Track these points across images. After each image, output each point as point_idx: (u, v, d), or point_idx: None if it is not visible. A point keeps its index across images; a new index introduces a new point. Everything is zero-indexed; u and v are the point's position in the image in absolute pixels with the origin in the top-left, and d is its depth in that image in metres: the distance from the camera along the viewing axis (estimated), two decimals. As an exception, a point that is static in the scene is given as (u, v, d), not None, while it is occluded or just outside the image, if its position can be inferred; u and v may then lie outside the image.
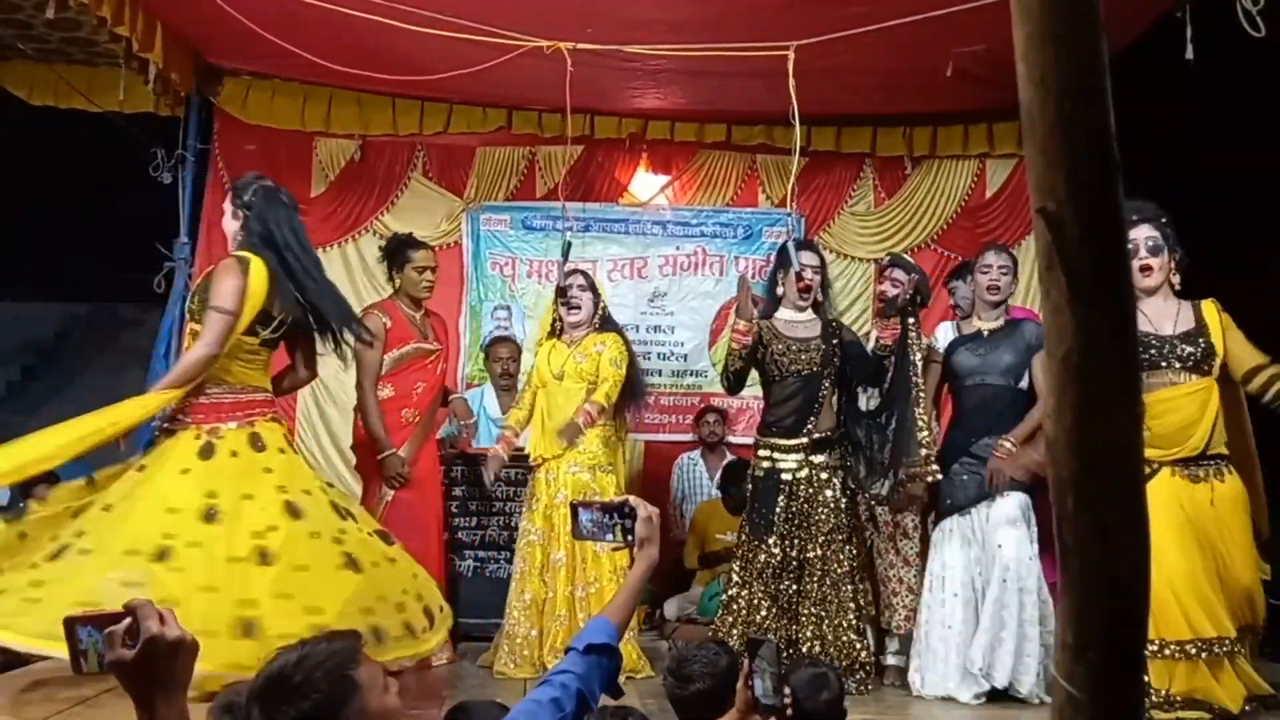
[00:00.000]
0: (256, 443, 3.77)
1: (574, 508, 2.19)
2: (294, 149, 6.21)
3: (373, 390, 4.70)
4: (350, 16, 4.55)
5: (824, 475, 4.41)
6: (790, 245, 4.63)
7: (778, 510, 4.40)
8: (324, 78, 5.77)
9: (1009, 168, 6.33)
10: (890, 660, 4.61)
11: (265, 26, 4.88)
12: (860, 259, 6.36)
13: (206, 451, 3.71)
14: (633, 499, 2.11)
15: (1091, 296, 0.95)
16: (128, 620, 1.34)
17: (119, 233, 7.60)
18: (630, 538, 2.09)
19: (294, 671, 1.51)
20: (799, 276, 4.48)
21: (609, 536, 2.13)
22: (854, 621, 4.36)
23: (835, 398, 4.54)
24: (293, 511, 3.63)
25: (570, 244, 5.38)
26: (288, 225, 3.86)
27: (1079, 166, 0.95)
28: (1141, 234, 3.82)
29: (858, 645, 4.34)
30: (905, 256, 5.29)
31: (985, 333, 4.39)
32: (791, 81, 4.62)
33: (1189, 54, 4.19)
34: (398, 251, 4.86)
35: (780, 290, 4.59)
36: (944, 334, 4.57)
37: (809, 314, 4.56)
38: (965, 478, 4.27)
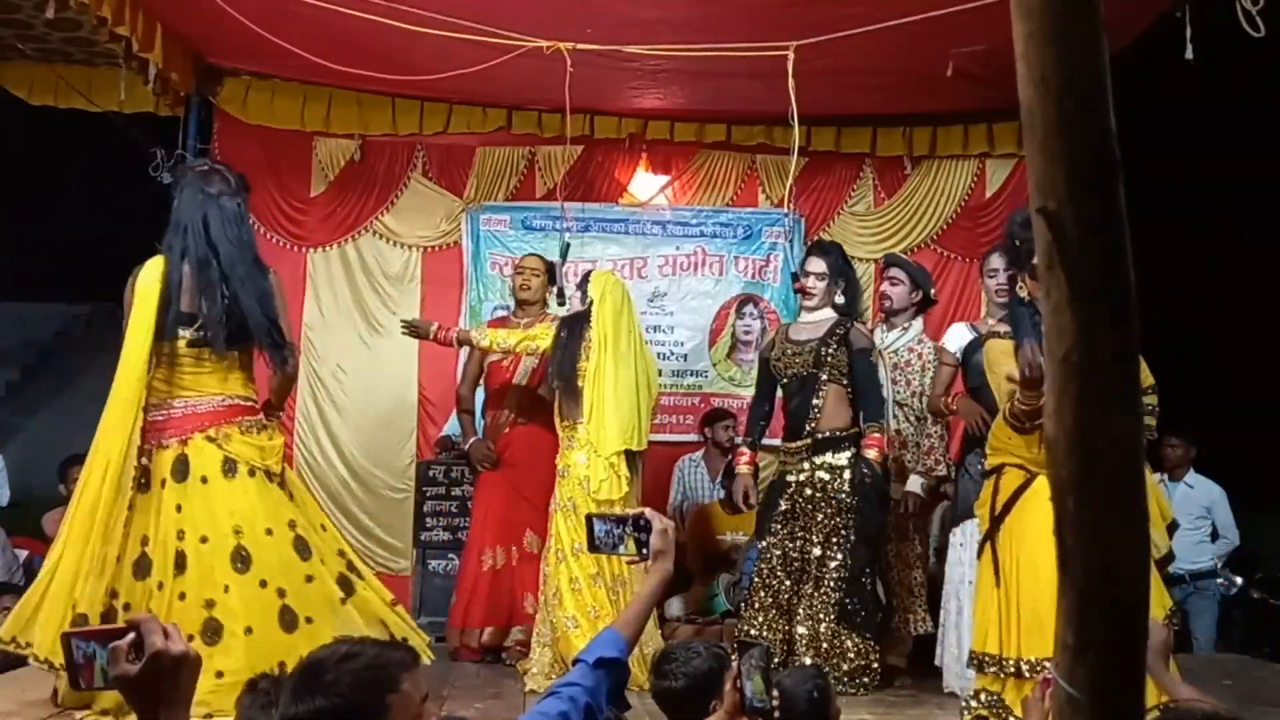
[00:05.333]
0: (179, 469, 3.54)
1: (589, 519, 2.20)
2: (294, 149, 6.20)
3: (469, 391, 5.23)
4: (350, 16, 4.54)
5: (826, 476, 4.39)
6: (790, 249, 4.71)
7: (778, 511, 4.41)
8: (324, 78, 5.77)
9: (1009, 168, 6.33)
10: (892, 661, 4.61)
11: (265, 26, 4.88)
12: (860, 259, 6.34)
13: (143, 485, 3.53)
14: (648, 511, 2.11)
15: (1091, 296, 0.95)
16: (132, 635, 1.34)
17: (119, 233, 7.60)
18: (645, 550, 2.09)
19: (333, 667, 1.54)
20: (795, 278, 4.56)
21: (623, 549, 2.13)
22: (856, 623, 4.35)
23: (842, 397, 4.47)
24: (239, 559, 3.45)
25: (569, 244, 5.39)
26: (199, 216, 3.65)
27: (1079, 166, 0.94)
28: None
29: (859, 647, 4.33)
30: (903, 256, 5.31)
31: (1002, 332, 4.34)
32: (791, 81, 4.62)
33: (1189, 54, 4.19)
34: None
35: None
36: (957, 336, 4.51)
37: (821, 315, 4.54)
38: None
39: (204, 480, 3.54)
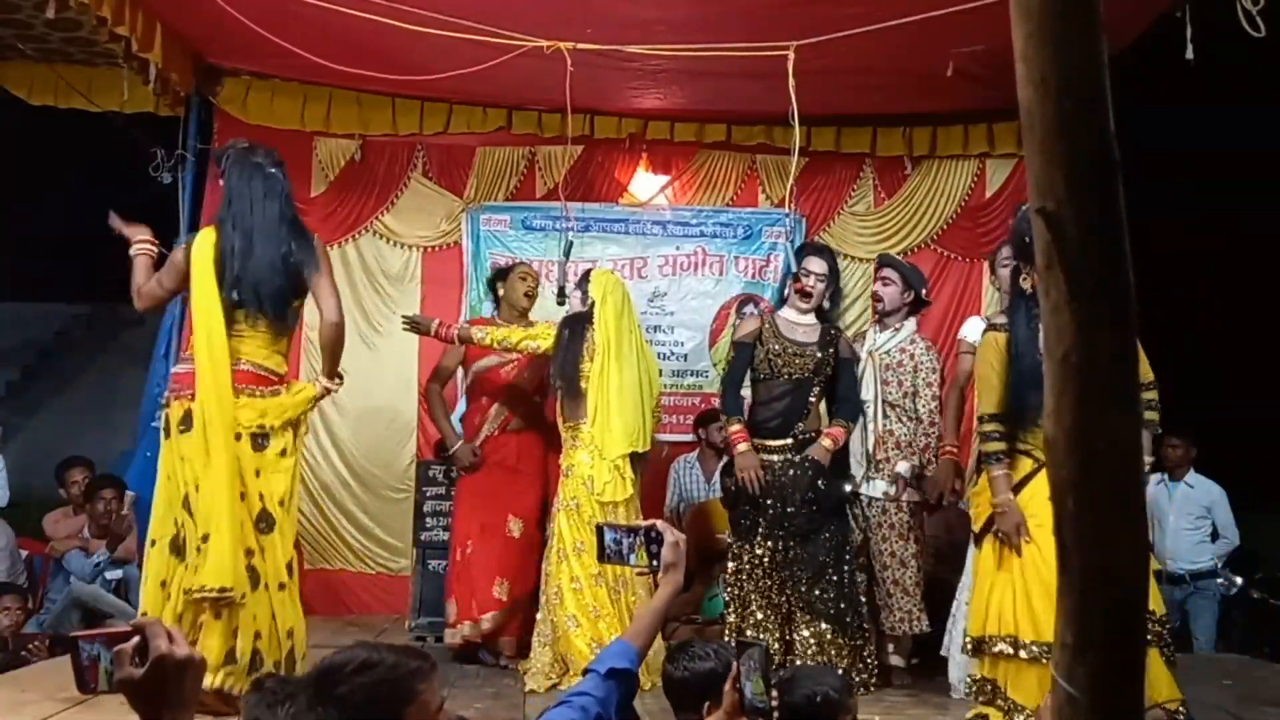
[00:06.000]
0: (184, 421, 3.70)
1: (599, 529, 2.20)
2: (294, 149, 6.16)
3: (438, 392, 5.05)
4: (350, 16, 4.54)
5: (809, 475, 4.41)
6: (789, 248, 4.68)
7: (763, 511, 4.41)
8: (324, 78, 5.77)
9: (1009, 168, 6.32)
10: (892, 660, 4.62)
11: (265, 26, 4.88)
12: (860, 259, 6.34)
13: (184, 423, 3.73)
14: (659, 524, 2.12)
15: (1091, 296, 0.95)
16: (136, 638, 1.34)
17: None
18: (656, 562, 2.08)
19: (347, 678, 1.52)
20: (797, 278, 4.54)
21: (634, 559, 2.13)
22: (851, 621, 4.36)
23: (821, 401, 4.57)
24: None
25: (571, 244, 5.39)
26: (247, 190, 3.86)
27: (1079, 166, 0.95)
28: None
29: (856, 644, 4.34)
30: (897, 256, 5.29)
31: (999, 325, 4.33)
32: (791, 81, 4.61)
33: (1189, 54, 4.19)
34: (503, 271, 5.24)
35: (788, 290, 4.64)
36: (974, 328, 4.51)
37: (810, 318, 4.57)
38: None
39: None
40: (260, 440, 3.77)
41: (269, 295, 3.78)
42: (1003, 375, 3.66)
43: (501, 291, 5.15)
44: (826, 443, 4.40)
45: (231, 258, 3.75)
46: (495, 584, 4.82)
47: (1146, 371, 3.69)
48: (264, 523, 3.73)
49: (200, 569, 3.56)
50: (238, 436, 3.70)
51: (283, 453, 3.81)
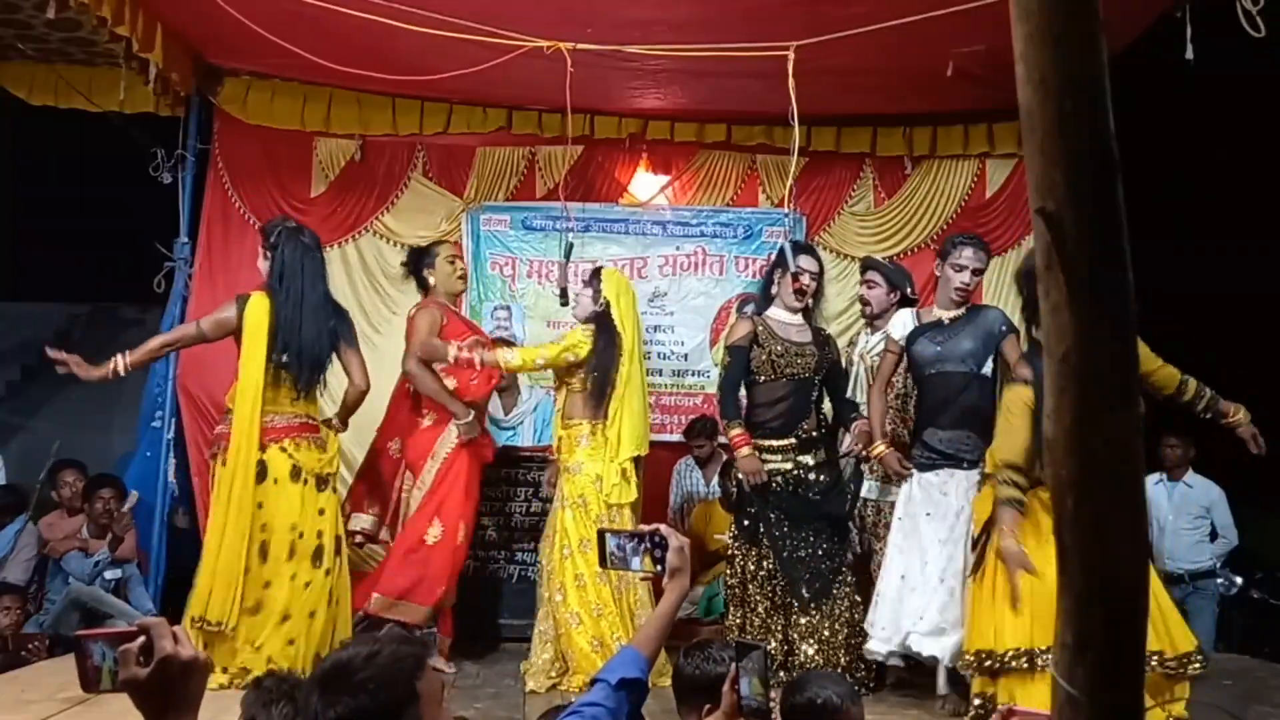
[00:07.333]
0: (259, 473, 4.25)
1: (601, 535, 2.19)
2: (294, 149, 6.20)
3: (424, 365, 4.74)
4: (350, 16, 4.55)
5: (811, 475, 4.42)
6: (788, 246, 4.66)
7: (767, 512, 4.40)
8: (324, 78, 5.77)
9: (1009, 168, 6.33)
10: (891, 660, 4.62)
11: (265, 26, 4.88)
12: (860, 260, 6.34)
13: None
14: (663, 528, 2.11)
15: (1091, 296, 0.95)
16: (142, 639, 1.34)
17: (119, 233, 7.59)
18: (660, 567, 2.08)
19: (362, 666, 1.53)
20: (794, 277, 4.52)
21: (638, 565, 2.12)
22: (851, 620, 4.37)
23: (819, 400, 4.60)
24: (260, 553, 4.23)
25: (572, 244, 5.38)
26: (300, 265, 4.35)
27: (1079, 166, 0.95)
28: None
29: (855, 644, 4.35)
30: (879, 258, 5.28)
31: (946, 320, 4.34)
32: (791, 81, 4.62)
33: (1189, 54, 4.19)
34: (423, 254, 5.07)
35: (775, 289, 4.62)
36: (901, 322, 4.50)
37: (799, 318, 4.57)
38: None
39: (275, 482, 4.26)
40: (322, 483, 4.37)
41: (312, 362, 4.36)
42: (1028, 429, 3.58)
43: (432, 279, 4.90)
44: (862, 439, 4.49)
45: (286, 326, 4.29)
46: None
47: (1174, 374, 3.75)
48: (317, 559, 4.30)
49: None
50: (305, 481, 4.31)
51: (334, 490, 4.47)
